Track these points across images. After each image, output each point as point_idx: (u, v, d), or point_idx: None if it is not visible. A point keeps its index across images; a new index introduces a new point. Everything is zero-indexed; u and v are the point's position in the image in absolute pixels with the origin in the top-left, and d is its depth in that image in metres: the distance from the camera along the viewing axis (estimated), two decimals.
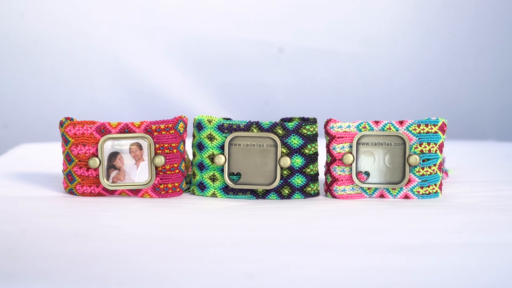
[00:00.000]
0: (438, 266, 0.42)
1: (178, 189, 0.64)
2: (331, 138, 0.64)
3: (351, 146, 0.63)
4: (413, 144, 0.63)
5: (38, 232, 0.49)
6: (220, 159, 0.63)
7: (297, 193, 0.64)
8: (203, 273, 0.40)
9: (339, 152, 0.63)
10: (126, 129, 0.63)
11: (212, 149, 0.64)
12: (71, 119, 0.65)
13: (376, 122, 0.63)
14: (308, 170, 0.63)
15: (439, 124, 0.63)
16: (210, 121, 0.64)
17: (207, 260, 0.43)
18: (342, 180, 0.63)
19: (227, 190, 0.64)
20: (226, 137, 0.63)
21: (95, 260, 0.42)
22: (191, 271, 0.40)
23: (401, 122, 0.63)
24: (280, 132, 0.63)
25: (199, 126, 0.65)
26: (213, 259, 0.43)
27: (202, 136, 0.64)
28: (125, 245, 0.46)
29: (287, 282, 0.39)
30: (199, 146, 0.65)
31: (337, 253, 0.45)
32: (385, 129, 0.63)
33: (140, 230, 0.50)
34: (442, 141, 0.63)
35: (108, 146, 0.63)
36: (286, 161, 0.62)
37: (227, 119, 0.68)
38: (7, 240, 0.47)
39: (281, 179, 0.63)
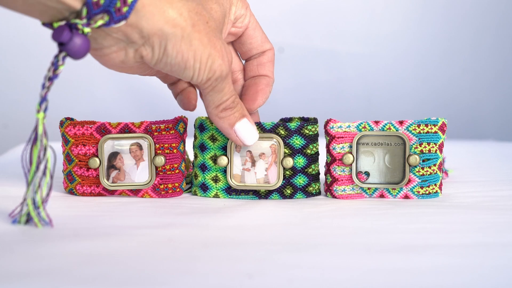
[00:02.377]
0: (438, 266, 0.42)
1: (178, 189, 0.64)
2: (331, 138, 0.64)
3: (351, 146, 0.63)
4: (413, 144, 0.63)
5: (38, 232, 0.49)
6: (223, 161, 0.63)
7: (299, 193, 0.64)
8: (203, 273, 0.40)
9: (339, 152, 0.63)
10: (126, 129, 0.63)
11: (215, 150, 0.64)
12: (71, 119, 0.65)
13: (376, 122, 0.63)
14: (310, 170, 0.63)
15: (439, 124, 0.63)
16: (212, 123, 0.64)
17: (207, 260, 0.43)
18: (342, 180, 0.64)
19: (229, 191, 0.64)
20: (228, 138, 0.63)
21: (95, 260, 0.42)
22: (191, 271, 0.40)
23: (401, 122, 0.63)
24: (283, 132, 0.63)
25: (201, 127, 0.64)
26: (213, 259, 0.43)
27: (204, 137, 0.64)
28: (125, 245, 0.46)
29: (287, 282, 0.39)
30: (201, 147, 0.65)
31: (337, 253, 0.45)
32: (385, 129, 0.63)
33: (140, 230, 0.50)
34: (442, 141, 0.63)
35: (108, 146, 0.63)
36: (288, 162, 0.62)
37: None
38: (8, 240, 0.47)
39: (283, 179, 0.63)
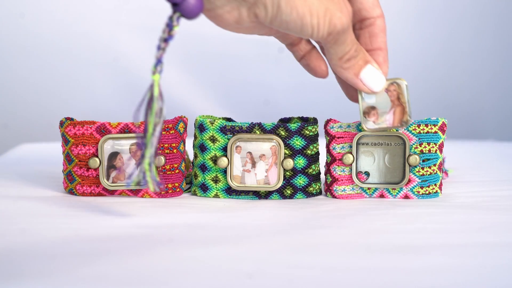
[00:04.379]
0: (438, 266, 0.42)
1: (178, 189, 0.64)
2: (331, 138, 0.64)
3: (351, 146, 0.63)
4: (413, 144, 0.63)
5: (38, 232, 0.49)
6: (223, 162, 0.63)
7: (299, 193, 0.64)
8: (203, 273, 0.40)
9: (339, 152, 0.63)
10: (126, 129, 0.63)
11: (215, 151, 0.64)
12: (71, 119, 0.65)
13: None
14: (310, 170, 0.64)
15: (439, 124, 0.63)
16: (212, 123, 0.64)
17: (207, 260, 0.43)
18: (342, 180, 0.63)
19: (229, 191, 0.64)
20: (228, 139, 0.63)
21: (95, 260, 0.42)
22: (191, 271, 0.40)
23: None
24: (283, 133, 0.63)
25: (201, 127, 0.64)
26: (213, 259, 0.43)
27: (204, 138, 0.64)
28: (125, 245, 0.46)
29: (287, 282, 0.39)
30: (201, 148, 0.64)
31: (337, 253, 0.45)
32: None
33: (140, 230, 0.50)
34: (442, 141, 0.63)
35: (108, 146, 0.63)
36: (289, 163, 0.62)
37: (228, 119, 0.68)
38: (7, 240, 0.47)
39: (283, 179, 0.63)
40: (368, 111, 0.60)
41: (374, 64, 0.57)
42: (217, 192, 0.64)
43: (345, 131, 0.63)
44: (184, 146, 0.65)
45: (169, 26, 0.49)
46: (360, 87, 0.57)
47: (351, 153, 0.63)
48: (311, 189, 0.64)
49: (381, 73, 0.57)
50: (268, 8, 0.50)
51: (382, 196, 0.64)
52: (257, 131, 0.63)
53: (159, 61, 0.49)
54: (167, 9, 1.47)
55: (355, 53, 0.55)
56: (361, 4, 0.58)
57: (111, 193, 0.64)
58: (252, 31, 0.55)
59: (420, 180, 0.63)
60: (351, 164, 0.63)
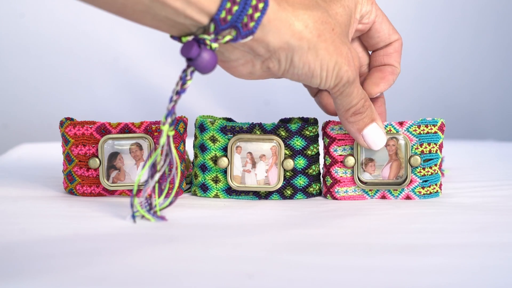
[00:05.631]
0: (438, 266, 0.42)
1: (178, 189, 0.64)
2: (331, 140, 0.63)
3: (352, 148, 0.63)
4: (414, 145, 0.63)
5: (38, 232, 0.49)
6: (223, 162, 0.63)
7: (299, 194, 0.64)
8: (203, 273, 0.40)
9: (341, 155, 0.63)
10: (126, 129, 0.63)
11: (215, 151, 0.64)
12: (71, 119, 0.65)
13: None
14: (310, 170, 0.64)
15: (439, 124, 0.63)
16: (212, 123, 0.64)
17: (207, 260, 0.43)
18: (344, 182, 0.63)
19: (229, 191, 0.64)
20: (229, 139, 0.63)
21: (95, 260, 0.42)
22: (191, 271, 0.40)
23: (401, 123, 0.63)
24: (283, 134, 0.63)
25: (201, 127, 0.64)
26: (213, 259, 0.43)
27: (204, 138, 0.64)
28: (125, 245, 0.46)
29: (287, 282, 0.39)
30: (201, 148, 0.64)
31: (337, 253, 0.45)
32: (385, 130, 0.63)
33: (140, 230, 0.51)
34: (442, 141, 0.63)
35: (108, 146, 0.63)
36: (289, 164, 0.62)
37: (229, 119, 0.68)
38: (7, 240, 0.47)
39: (284, 180, 0.63)
40: (366, 162, 0.62)
41: (379, 123, 0.59)
42: (217, 192, 0.64)
43: (345, 133, 0.63)
44: (184, 146, 0.65)
45: (183, 79, 0.50)
46: (360, 142, 0.59)
47: (352, 155, 0.63)
48: (311, 189, 0.64)
49: (383, 133, 0.59)
50: (282, 63, 0.51)
51: (383, 197, 0.64)
52: (257, 132, 0.63)
53: (170, 112, 0.50)
54: None
55: (363, 109, 0.57)
56: (378, 38, 0.61)
57: (111, 193, 0.64)
58: (264, 77, 0.56)
59: (421, 181, 0.63)
60: (352, 167, 0.63)
